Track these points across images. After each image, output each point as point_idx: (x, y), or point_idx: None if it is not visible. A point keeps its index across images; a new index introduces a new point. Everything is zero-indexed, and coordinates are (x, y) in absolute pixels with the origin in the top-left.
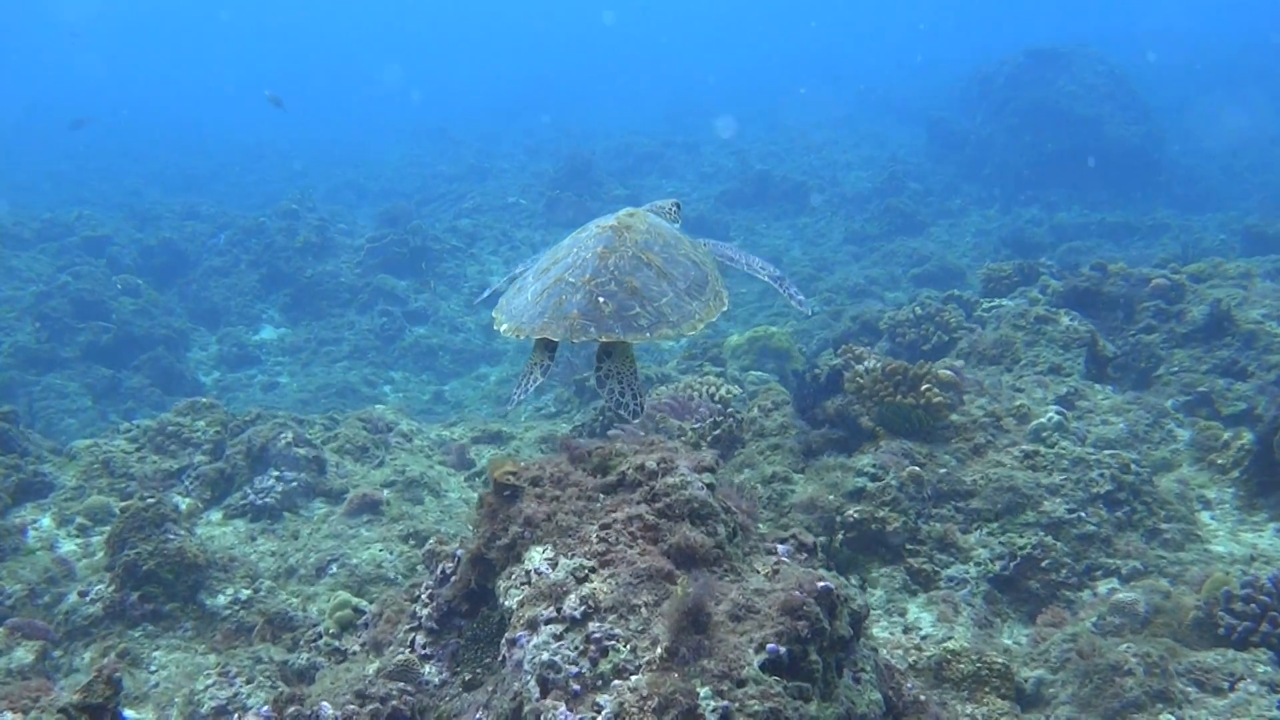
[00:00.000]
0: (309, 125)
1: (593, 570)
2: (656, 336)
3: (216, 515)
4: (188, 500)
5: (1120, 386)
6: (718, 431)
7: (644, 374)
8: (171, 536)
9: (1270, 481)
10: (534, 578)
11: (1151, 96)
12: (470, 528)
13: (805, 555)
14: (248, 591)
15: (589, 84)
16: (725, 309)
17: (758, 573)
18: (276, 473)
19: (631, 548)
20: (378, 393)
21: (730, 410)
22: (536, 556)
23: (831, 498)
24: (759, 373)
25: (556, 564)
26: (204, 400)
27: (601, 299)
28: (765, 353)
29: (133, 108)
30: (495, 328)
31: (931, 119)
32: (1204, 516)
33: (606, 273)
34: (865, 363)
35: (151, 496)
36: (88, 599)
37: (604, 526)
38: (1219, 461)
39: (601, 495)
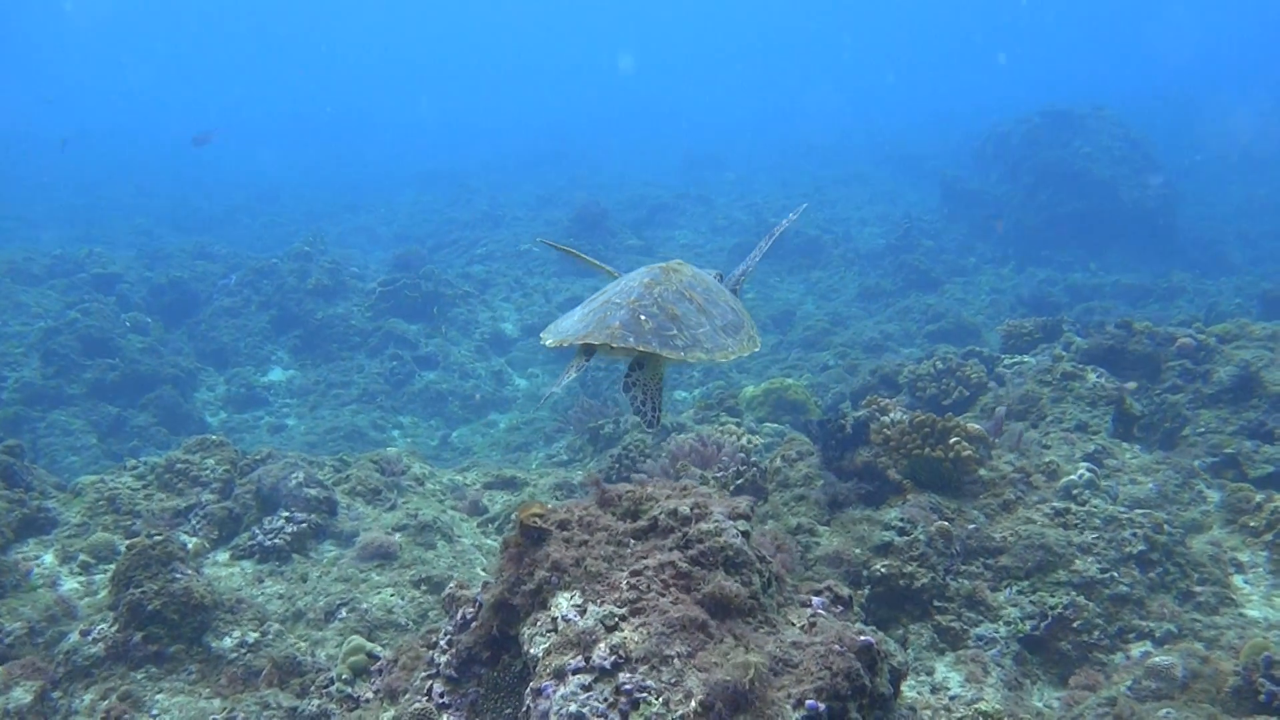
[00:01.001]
0: (322, 168)
1: (623, 618)
2: (689, 357)
3: (223, 555)
4: (194, 540)
5: (1146, 446)
6: (740, 481)
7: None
8: (178, 576)
9: None
10: (561, 625)
11: (1165, 160)
12: (493, 572)
13: (841, 609)
14: (255, 634)
15: (603, 133)
16: (757, 350)
17: (793, 625)
18: (286, 513)
19: (664, 596)
20: (386, 437)
21: (753, 460)
22: (564, 603)
23: (858, 551)
24: (775, 425)
25: (585, 611)
26: (214, 438)
27: (643, 316)
28: (781, 405)
29: (146, 144)
30: (541, 342)
31: (945, 177)
32: (1237, 580)
33: (651, 298)
34: (891, 414)
35: (159, 534)
36: (90, 638)
37: (635, 573)
38: (1251, 524)
39: (632, 540)
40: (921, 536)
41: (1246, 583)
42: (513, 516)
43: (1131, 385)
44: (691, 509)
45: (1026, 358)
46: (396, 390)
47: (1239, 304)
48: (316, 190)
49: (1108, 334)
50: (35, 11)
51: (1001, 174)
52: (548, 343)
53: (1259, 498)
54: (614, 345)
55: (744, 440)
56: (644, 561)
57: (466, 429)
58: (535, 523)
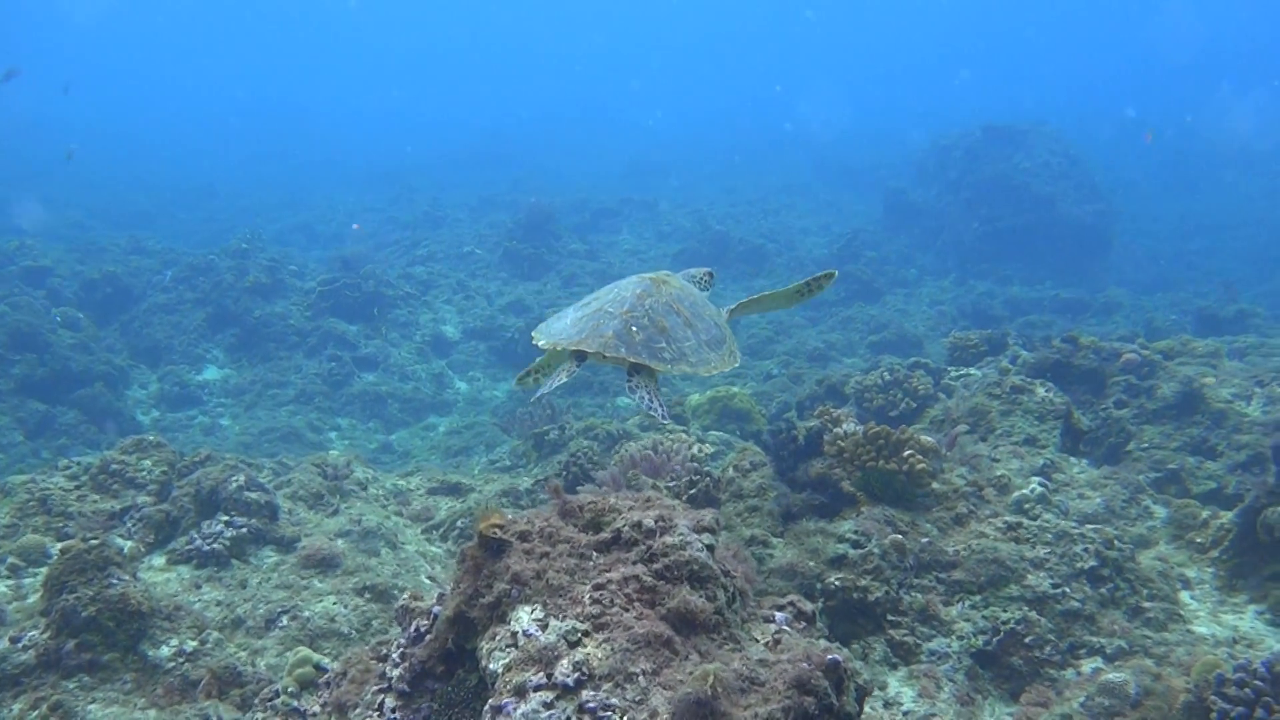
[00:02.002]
0: (261, 165)
1: (586, 634)
2: (675, 370)
3: (159, 560)
4: (129, 543)
5: (1093, 460)
6: (694, 491)
7: (605, 429)
8: (115, 581)
9: (1250, 562)
10: (522, 640)
11: (1103, 177)
12: (450, 583)
13: (804, 624)
14: (193, 643)
15: (545, 135)
16: (737, 365)
17: (757, 641)
18: (226, 518)
19: (628, 611)
20: (323, 439)
21: (705, 469)
22: (525, 617)
23: (812, 564)
24: (720, 433)
25: (547, 626)
26: (151, 438)
27: (634, 328)
28: (726, 413)
29: (82, 134)
30: (534, 343)
31: (888, 189)
32: (1184, 596)
33: (642, 310)
34: (844, 425)
35: (94, 538)
36: (19, 645)
37: (598, 587)
38: (1198, 540)
39: (595, 553)
40: (876, 550)
41: (1194, 599)
42: (459, 523)
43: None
44: (656, 521)
45: (973, 370)
46: (335, 391)
47: (1174, 320)
48: (254, 186)
49: (1054, 348)
50: None
51: (943, 187)
52: (540, 343)
53: (1205, 514)
54: (607, 354)
55: (695, 449)
56: (608, 575)
57: (406, 432)
58: (495, 533)
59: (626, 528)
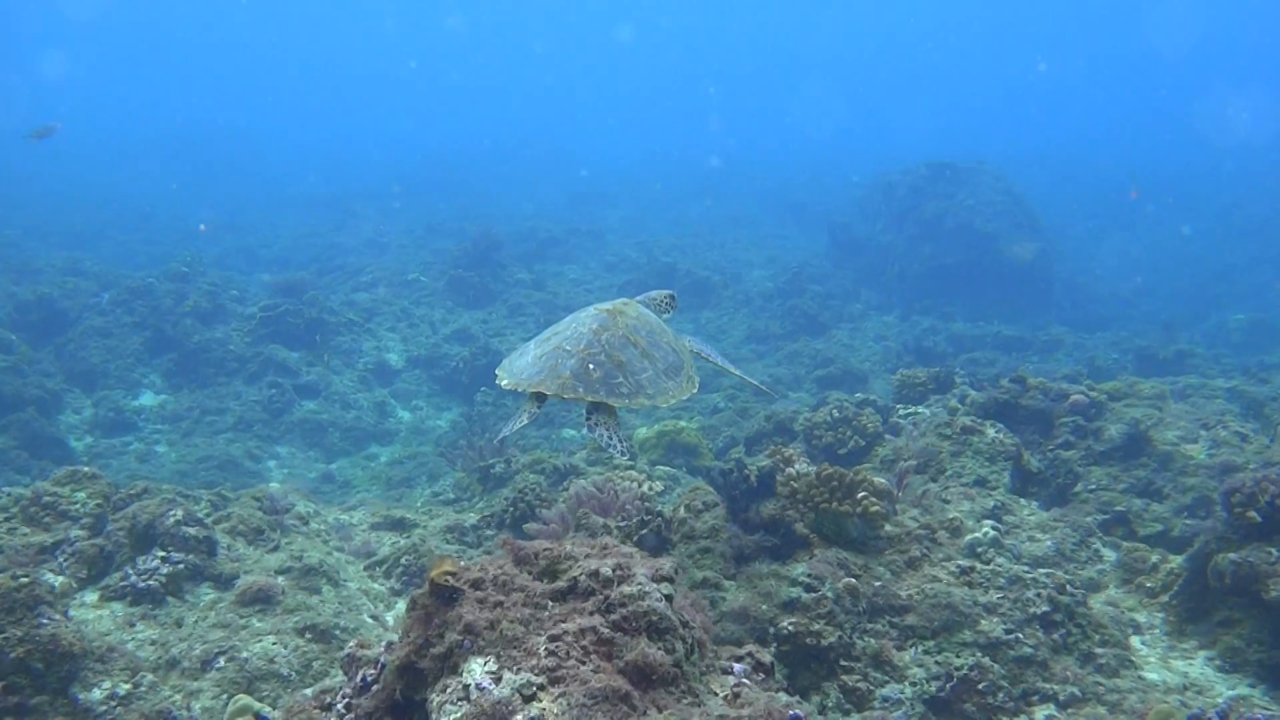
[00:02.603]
0: (202, 187)
1: (541, 688)
2: (634, 404)
3: (92, 596)
4: (61, 579)
5: (1041, 501)
6: (645, 531)
7: (552, 463)
8: (45, 621)
9: (1200, 608)
10: (474, 693)
11: (1044, 216)
12: (399, 632)
13: (763, 676)
14: (126, 686)
15: (491, 163)
16: (695, 392)
17: (716, 695)
18: (163, 553)
19: (584, 664)
20: (262, 467)
21: (657, 509)
22: (477, 669)
23: (765, 608)
24: (668, 468)
25: (500, 678)
26: (85, 469)
27: (591, 365)
28: (674, 448)
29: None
30: (498, 382)
31: (833, 223)
32: (1135, 641)
33: (598, 345)
34: (796, 465)
35: (25, 575)
36: None
37: (553, 638)
38: (1148, 584)
39: (551, 602)
40: (829, 594)
41: (1144, 644)
42: (402, 560)
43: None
44: (614, 570)
45: (920, 408)
46: (275, 419)
47: (1116, 359)
48: (195, 208)
49: (1002, 388)
50: None
51: (888, 223)
52: (503, 384)
53: (1154, 558)
54: (566, 395)
55: (645, 487)
56: (563, 626)
57: (347, 461)
58: (447, 581)
59: (583, 576)
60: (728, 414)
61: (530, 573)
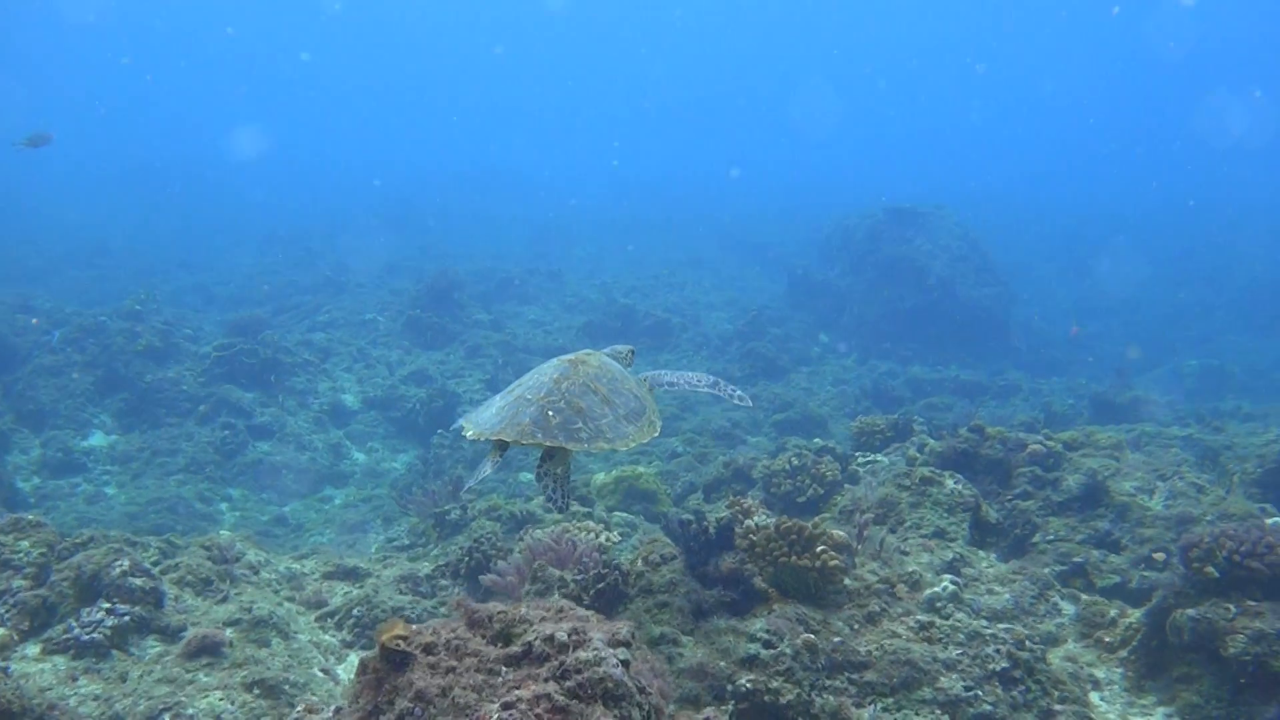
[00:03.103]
0: (156, 222)
1: None
2: (593, 447)
3: (33, 649)
4: (2, 631)
5: (999, 552)
6: (601, 585)
7: (508, 510)
8: None
9: (1159, 664)
10: None
11: (1003, 259)
12: (348, 697)
13: None
14: None
15: (452, 201)
16: (656, 434)
17: None
18: (108, 605)
19: None
20: (213, 510)
21: (614, 562)
22: None
23: (723, 664)
24: (625, 514)
25: None
26: (30, 517)
27: (551, 412)
28: (632, 494)
29: None
30: (463, 434)
31: (792, 266)
32: (1094, 697)
33: (558, 394)
34: (755, 517)
35: None
36: None
37: (506, 706)
38: (1106, 639)
39: (504, 668)
40: (788, 650)
41: (1103, 700)
42: (354, 611)
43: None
44: (569, 635)
45: (879, 456)
46: (227, 461)
47: (1071, 404)
48: (151, 244)
49: (961, 438)
50: None
51: (846, 267)
52: (468, 434)
53: (1113, 612)
54: (525, 442)
55: (602, 538)
56: (517, 693)
57: (300, 504)
58: (398, 645)
59: (538, 641)
60: (686, 459)
61: (484, 636)
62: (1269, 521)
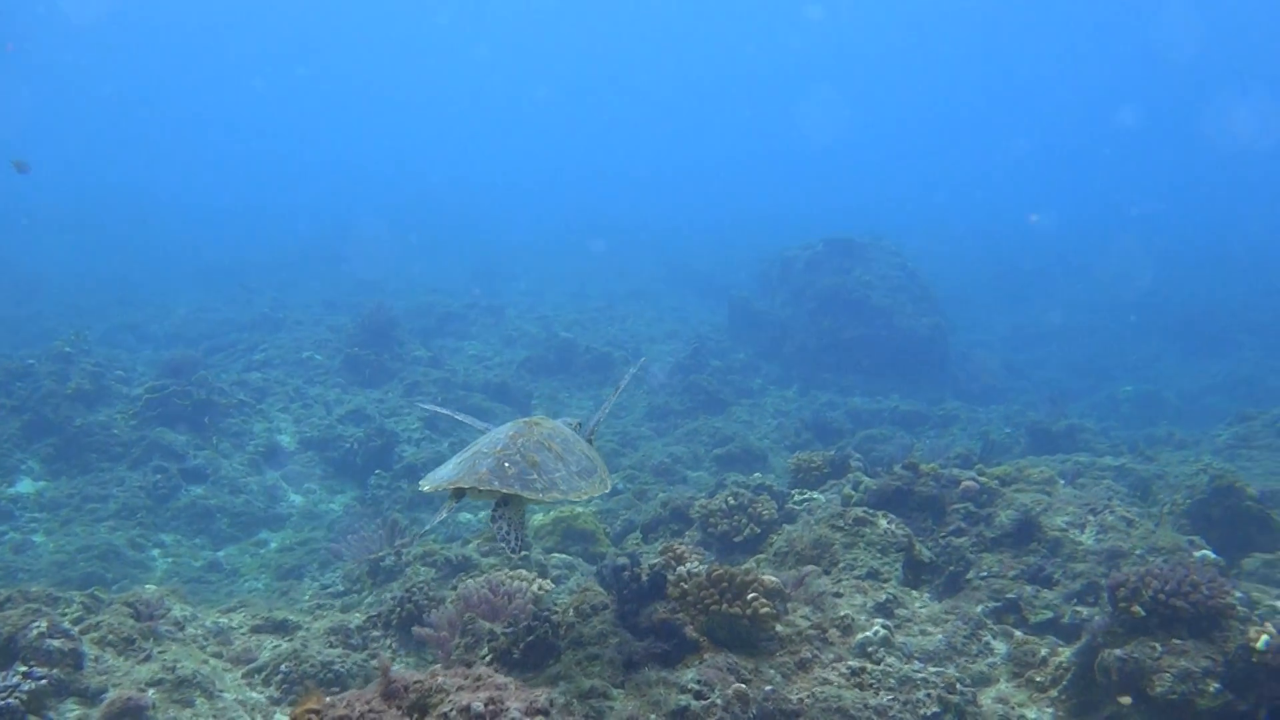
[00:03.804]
0: (90, 258)
1: None
2: (547, 498)
3: None
4: None
5: (933, 590)
6: (532, 638)
7: (444, 555)
8: None
9: (1088, 703)
10: None
11: (942, 288)
12: None
13: None
14: None
15: (389, 233)
16: (608, 490)
17: None
18: (24, 668)
19: None
20: (145, 557)
21: (544, 613)
22: None
23: (653, 717)
24: (564, 555)
25: None
26: None
27: (507, 464)
28: (570, 534)
29: None
30: (420, 488)
31: (733, 297)
32: None
33: (514, 448)
34: (688, 564)
35: None
36: None
37: None
38: (1037, 679)
39: None
40: (719, 700)
41: None
42: (282, 667)
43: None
44: (485, 705)
45: (816, 494)
46: (160, 505)
47: (1009, 433)
48: (84, 280)
49: (896, 475)
50: None
51: (786, 297)
52: (425, 488)
53: (1044, 651)
54: (481, 488)
55: (536, 586)
56: None
57: (235, 548)
58: (310, 719)
59: (454, 713)
60: (625, 497)
61: (399, 708)
62: (1197, 554)
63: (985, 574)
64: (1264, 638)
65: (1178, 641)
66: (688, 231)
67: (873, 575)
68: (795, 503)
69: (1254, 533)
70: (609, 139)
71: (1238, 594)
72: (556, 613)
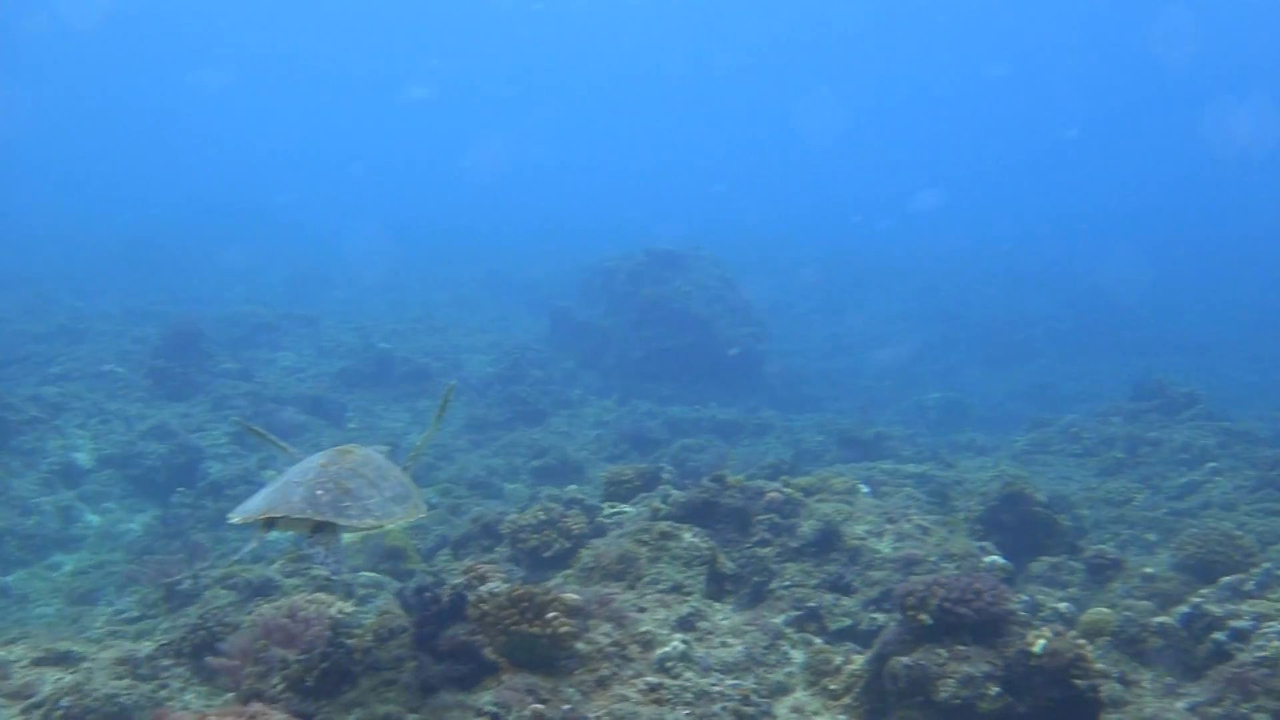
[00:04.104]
0: None
1: None
2: (361, 524)
3: None
4: None
5: (738, 601)
6: (326, 665)
7: (244, 576)
8: None
9: (879, 710)
10: None
11: (758, 298)
12: None
13: None
14: None
15: (199, 240)
16: (423, 516)
17: None
18: None
19: None
20: None
21: (339, 639)
22: None
23: None
24: (372, 574)
25: None
26: None
27: (320, 491)
28: (379, 552)
29: None
30: (230, 521)
31: (554, 307)
32: None
33: (326, 476)
34: (489, 584)
35: None
36: None
37: None
38: (831, 687)
39: None
40: None
41: None
42: (63, 702)
43: None
44: None
45: (627, 507)
46: None
47: (821, 441)
48: None
49: (703, 487)
50: None
51: (608, 307)
52: (235, 520)
53: (838, 659)
54: (295, 517)
55: (336, 609)
56: None
57: (25, 572)
58: None
59: None
60: (440, 511)
61: None
62: (986, 560)
63: (788, 584)
64: (1040, 642)
65: (962, 647)
66: (513, 239)
67: (676, 589)
68: (606, 516)
69: (1042, 537)
70: (439, 143)
71: (1023, 597)
72: (355, 636)
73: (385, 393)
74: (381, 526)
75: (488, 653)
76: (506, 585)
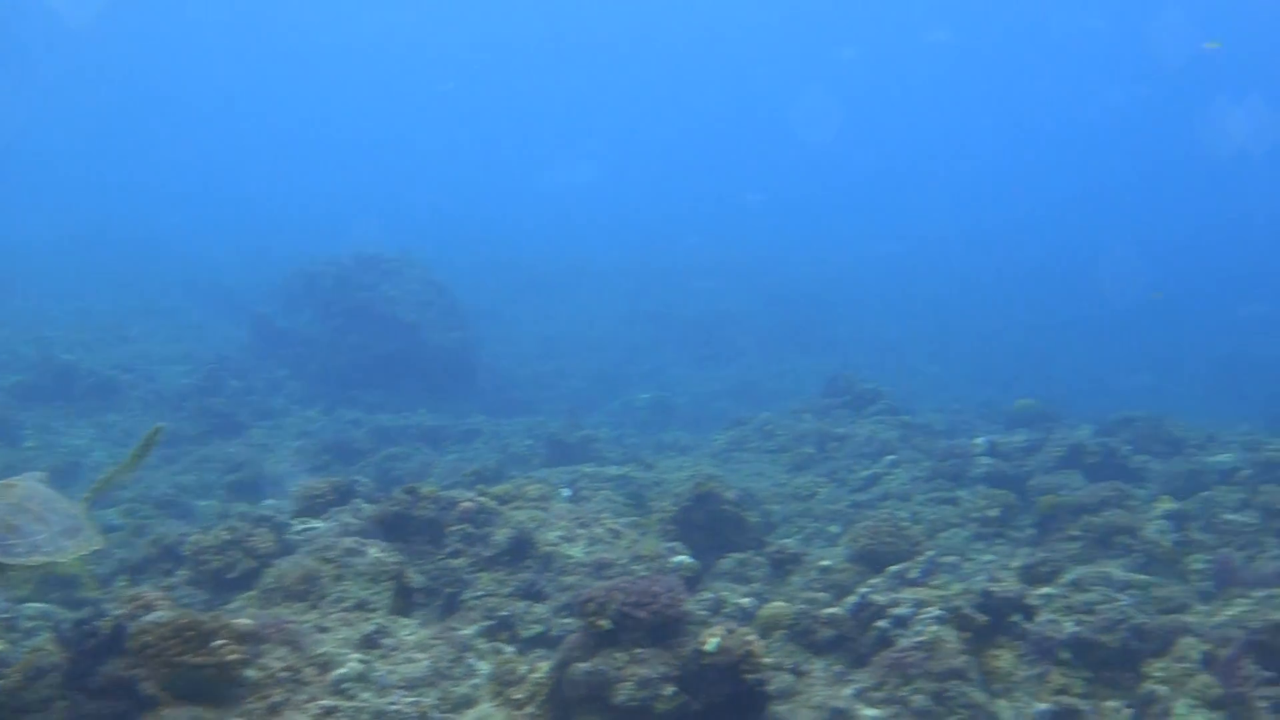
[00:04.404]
0: None
1: None
2: (31, 561)
3: None
4: None
5: (430, 613)
6: None
7: None
8: None
9: (561, 715)
10: None
11: (470, 302)
12: None
13: None
14: None
15: None
16: (99, 547)
17: None
18: None
19: None
20: None
21: None
22: None
23: None
24: (40, 605)
25: None
26: None
27: None
28: (49, 581)
29: None
30: None
31: (255, 313)
32: None
33: None
34: (155, 613)
35: None
36: None
37: None
38: (516, 696)
39: None
40: None
41: None
42: None
43: None
44: None
45: (318, 522)
46: None
47: (530, 445)
48: None
49: (395, 500)
50: None
51: (313, 314)
52: None
53: (524, 668)
54: None
55: None
56: None
57: None
58: None
59: None
60: (123, 533)
61: None
62: (674, 560)
63: (481, 593)
64: (713, 640)
65: (640, 650)
66: (215, 243)
67: (361, 606)
68: (296, 533)
69: (731, 534)
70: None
71: (708, 595)
72: (4, 677)
73: (68, 408)
74: (53, 561)
75: (147, 687)
76: (172, 614)
